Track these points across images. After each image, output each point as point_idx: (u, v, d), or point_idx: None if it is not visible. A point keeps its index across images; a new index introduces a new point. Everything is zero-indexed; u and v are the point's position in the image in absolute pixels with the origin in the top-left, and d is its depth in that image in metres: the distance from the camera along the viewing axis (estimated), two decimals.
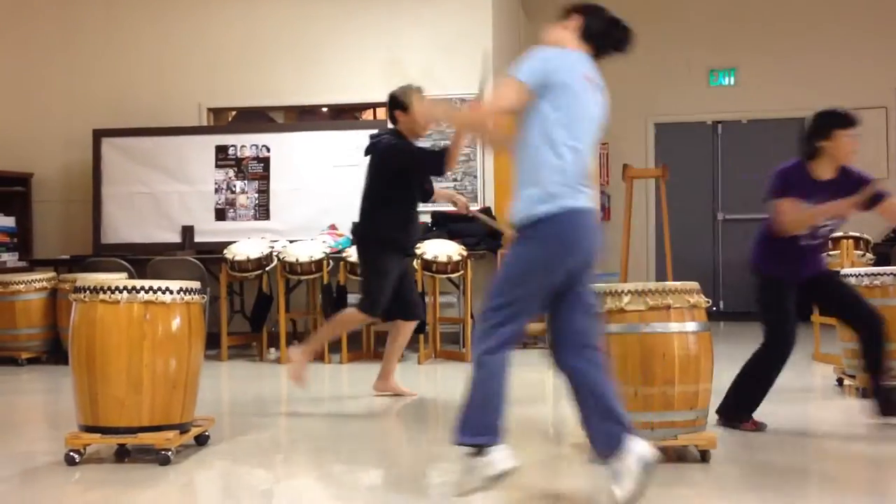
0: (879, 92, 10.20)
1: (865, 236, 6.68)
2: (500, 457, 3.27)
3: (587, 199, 3.26)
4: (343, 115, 9.13)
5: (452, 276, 7.26)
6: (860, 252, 6.52)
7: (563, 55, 3.42)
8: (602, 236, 3.37)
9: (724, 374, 5.95)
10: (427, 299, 7.21)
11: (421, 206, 8.22)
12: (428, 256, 7.05)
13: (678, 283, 3.81)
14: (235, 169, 8.36)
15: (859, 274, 5.37)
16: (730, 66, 10.51)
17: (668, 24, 10.59)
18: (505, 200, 8.16)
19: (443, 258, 7.04)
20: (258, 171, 8.43)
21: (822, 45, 10.26)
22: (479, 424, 3.27)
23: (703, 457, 3.74)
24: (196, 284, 4.14)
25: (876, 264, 6.74)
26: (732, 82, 10.52)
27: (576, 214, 3.20)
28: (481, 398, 3.30)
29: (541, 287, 3.20)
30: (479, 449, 3.25)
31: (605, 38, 3.59)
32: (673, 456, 3.83)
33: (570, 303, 3.24)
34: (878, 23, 10.17)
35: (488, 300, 3.26)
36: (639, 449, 3.08)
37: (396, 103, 5.48)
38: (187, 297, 4.02)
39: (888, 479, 3.62)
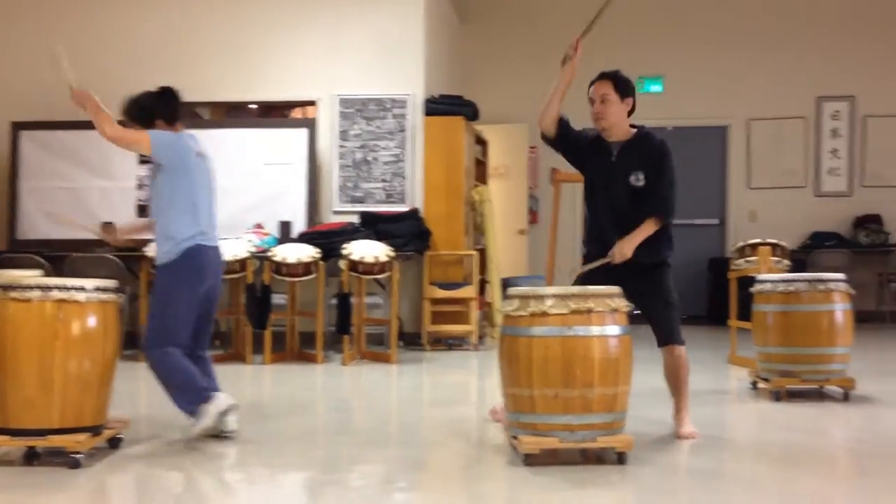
0: (800, 102, 10.50)
1: (782, 243, 6.84)
2: (220, 399, 4.31)
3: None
4: (272, 113, 9.03)
5: (379, 276, 7.23)
6: (777, 259, 6.68)
7: (179, 139, 4.43)
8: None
9: (645, 377, 6.06)
10: (352, 300, 7.17)
11: (350, 206, 8.28)
12: (354, 257, 7.01)
13: (600, 288, 3.85)
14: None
15: (775, 280, 5.49)
16: (657, 74, 10.69)
17: (597, 30, 10.70)
18: (435, 201, 8.17)
19: (369, 259, 7.01)
20: None
21: (746, 56, 10.51)
22: (192, 397, 4.29)
23: (620, 459, 3.78)
24: (112, 283, 4.05)
25: (792, 271, 6.91)
26: (660, 89, 10.71)
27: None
28: (180, 384, 4.30)
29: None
30: (201, 406, 4.25)
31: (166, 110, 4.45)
32: (592, 458, 3.87)
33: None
34: (799, 36, 10.46)
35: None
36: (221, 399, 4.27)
37: None
38: (103, 296, 3.92)
39: (799, 480, 3.71)
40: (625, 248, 4.23)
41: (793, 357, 5.35)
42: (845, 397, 5.31)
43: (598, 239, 4.43)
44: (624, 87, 4.45)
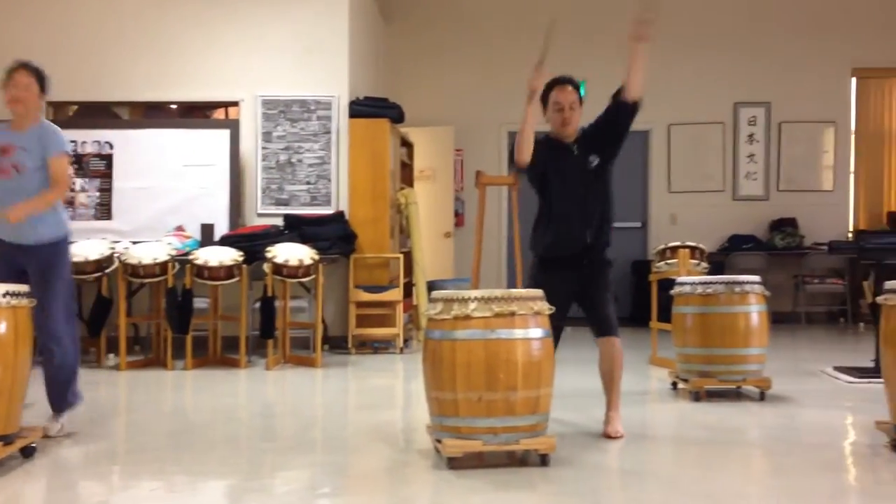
0: (718, 108, 10.75)
1: (701, 246, 7.00)
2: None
3: None
4: (194, 114, 8.88)
5: (304, 280, 7.17)
6: (696, 261, 6.82)
7: None
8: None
9: (568, 379, 6.13)
10: (277, 304, 7.09)
11: (274, 209, 8.19)
12: (278, 260, 6.93)
13: (523, 291, 3.88)
14: (75, 166, 7.98)
15: (693, 282, 5.61)
16: (580, 79, 10.79)
17: (522, 35, 10.81)
18: (360, 204, 8.13)
19: (294, 262, 6.94)
20: (100, 168, 8.08)
21: (667, 62, 10.69)
22: (74, 393, 4.58)
23: (543, 460, 3.82)
24: (24, 288, 3.92)
25: (711, 273, 7.06)
26: (582, 94, 10.81)
27: None
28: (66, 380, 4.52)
29: None
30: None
31: None
32: (515, 460, 3.90)
33: None
34: (718, 43, 10.70)
35: None
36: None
37: None
38: (14, 301, 3.80)
39: (717, 479, 3.79)
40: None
41: (711, 358, 5.46)
42: (762, 397, 5.45)
43: (563, 232, 4.58)
44: (581, 95, 4.73)
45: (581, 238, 4.54)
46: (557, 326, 4.38)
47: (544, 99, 4.61)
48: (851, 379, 6.12)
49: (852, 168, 10.76)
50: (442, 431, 3.84)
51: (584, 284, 4.50)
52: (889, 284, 4.02)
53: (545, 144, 4.60)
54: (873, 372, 5.72)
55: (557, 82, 4.61)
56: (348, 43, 8.25)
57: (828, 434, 4.67)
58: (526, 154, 4.46)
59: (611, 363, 4.60)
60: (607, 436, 4.41)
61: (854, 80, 10.71)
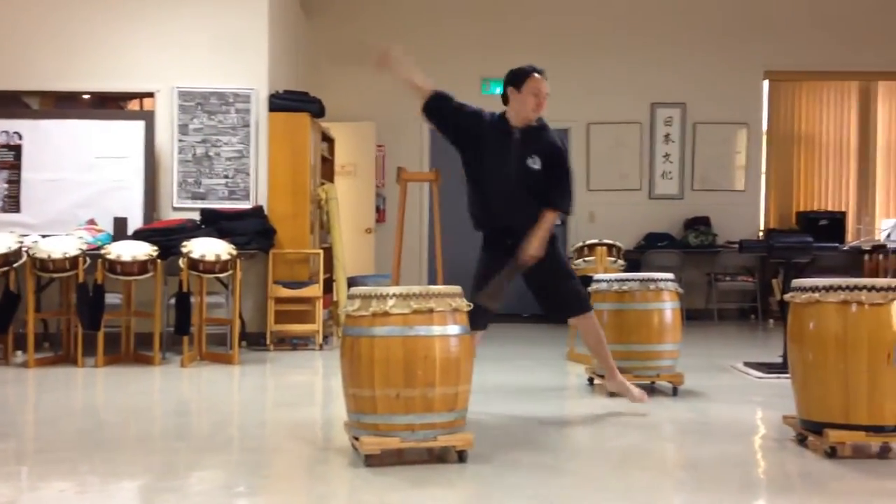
0: (636, 108, 10.94)
1: (617, 244, 7.12)
2: None
3: None
4: (107, 104, 8.65)
5: (221, 275, 7.05)
6: (612, 258, 6.94)
7: None
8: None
9: (488, 375, 6.17)
10: (192, 300, 6.96)
11: (191, 203, 8.03)
12: (194, 255, 6.80)
13: (441, 287, 3.87)
14: None
15: (610, 280, 5.69)
16: (500, 77, 10.86)
17: (444, 31, 10.84)
18: (280, 199, 8.04)
19: (210, 257, 6.82)
20: (8, 159, 7.82)
21: (586, 62, 10.86)
22: None
23: (461, 457, 3.83)
24: None
25: (627, 270, 7.19)
26: (503, 91, 10.88)
27: None
28: None
29: None
30: None
31: None
32: (433, 457, 3.90)
33: None
34: (635, 44, 10.89)
35: None
36: None
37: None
38: None
39: (630, 474, 3.86)
40: (535, 250, 4.63)
41: (626, 353, 5.55)
42: (674, 392, 5.57)
43: (487, 215, 4.81)
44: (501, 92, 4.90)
45: (502, 218, 4.75)
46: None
47: (518, 83, 4.81)
48: (760, 374, 6.30)
49: (763, 169, 11.07)
50: (359, 429, 3.82)
51: (536, 271, 4.64)
52: (796, 282, 4.15)
53: (491, 117, 4.84)
54: (781, 367, 5.90)
55: (537, 71, 4.84)
56: (268, 35, 8.14)
57: (737, 428, 4.80)
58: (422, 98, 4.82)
59: (594, 337, 4.97)
60: (635, 399, 4.87)
61: (766, 82, 11.02)
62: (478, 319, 4.44)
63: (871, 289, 3.89)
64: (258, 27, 8.10)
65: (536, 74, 4.83)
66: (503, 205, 4.75)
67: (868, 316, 3.87)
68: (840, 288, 3.93)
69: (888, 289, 3.89)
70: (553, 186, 4.80)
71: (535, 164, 4.75)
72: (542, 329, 9.69)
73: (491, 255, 4.83)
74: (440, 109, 4.88)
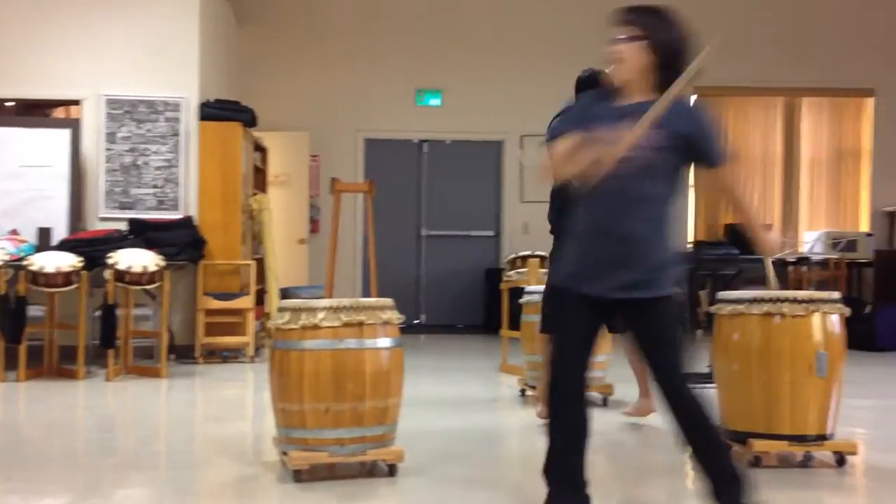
0: None
1: None
2: None
3: None
4: (32, 112, 8.44)
5: (148, 287, 6.91)
6: (545, 271, 6.97)
7: None
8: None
9: (421, 387, 6.16)
10: (119, 312, 6.81)
11: (118, 213, 7.87)
12: (121, 266, 6.66)
13: (372, 300, 3.86)
14: None
15: (540, 291, 5.71)
16: (437, 88, 10.93)
17: (379, 42, 10.83)
18: (210, 209, 7.92)
19: (137, 268, 6.68)
20: None
21: (520, 74, 10.94)
22: None
23: (391, 471, 3.81)
24: None
25: None
26: (439, 103, 10.95)
27: None
28: None
29: None
30: None
31: None
32: (363, 471, 3.87)
33: None
34: (569, 56, 11.00)
35: None
36: None
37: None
38: None
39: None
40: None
41: None
42: (604, 402, 5.63)
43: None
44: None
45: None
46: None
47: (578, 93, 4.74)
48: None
49: (692, 181, 11.27)
50: (288, 444, 3.78)
51: None
52: (721, 295, 4.22)
53: None
54: (709, 378, 5.98)
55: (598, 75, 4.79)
56: (199, 43, 8.02)
57: (665, 438, 4.83)
58: None
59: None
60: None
61: (694, 97, 11.23)
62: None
63: (793, 301, 3.98)
64: (189, 35, 7.98)
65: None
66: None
67: (790, 328, 3.96)
68: (763, 300, 4.01)
69: (809, 301, 3.99)
70: None
71: None
72: (478, 340, 9.72)
73: None
74: None
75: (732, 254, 6.74)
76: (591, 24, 11.06)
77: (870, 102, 11.30)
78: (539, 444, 4.74)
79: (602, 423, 5.21)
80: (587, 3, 11.05)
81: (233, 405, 6.30)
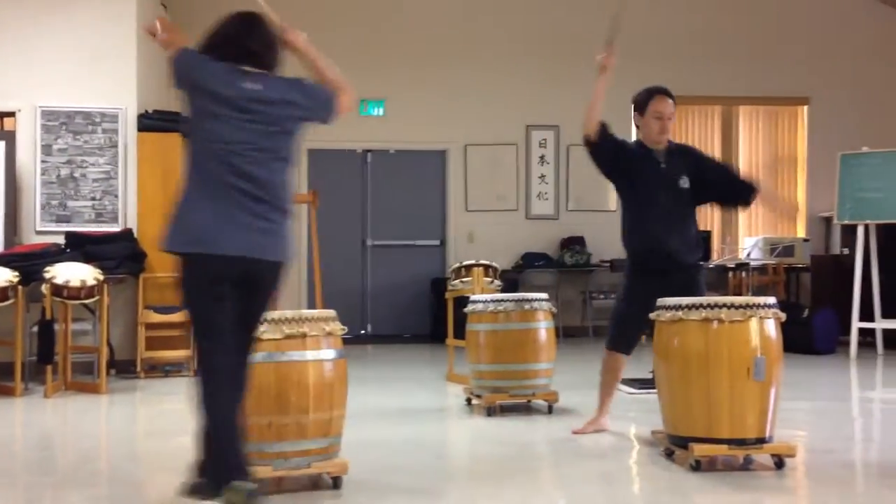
0: (512, 130, 11.13)
1: (494, 264, 7.19)
2: None
3: None
4: None
5: (87, 301, 6.78)
6: (489, 279, 7.01)
7: None
8: None
9: (367, 398, 6.13)
10: (56, 327, 6.67)
11: (55, 226, 7.71)
12: (58, 281, 6.53)
13: (315, 311, 3.83)
14: None
15: (486, 300, 5.75)
16: (379, 98, 10.92)
17: (321, 52, 10.77)
18: (151, 221, 7.79)
19: (75, 283, 6.56)
20: None
21: (464, 84, 11.00)
22: None
23: (336, 483, 3.78)
24: None
25: (505, 290, 7.27)
26: (382, 113, 10.94)
27: None
28: None
29: None
30: None
31: None
32: (307, 484, 3.84)
33: None
34: (511, 67, 11.10)
35: None
36: None
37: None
38: None
39: (506, 495, 3.89)
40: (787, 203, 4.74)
41: (502, 373, 5.62)
42: (549, 410, 5.66)
43: (646, 240, 4.76)
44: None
45: (664, 247, 4.71)
46: (637, 333, 4.84)
47: (641, 107, 4.78)
48: (632, 390, 6.47)
49: None
50: None
51: (675, 293, 4.41)
52: (661, 301, 4.28)
53: (634, 145, 4.86)
54: (652, 383, 6.06)
55: (658, 92, 4.78)
56: (137, 53, 7.91)
57: (610, 444, 4.90)
58: (591, 125, 4.77)
59: None
60: None
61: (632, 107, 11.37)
62: (629, 344, 4.83)
63: (731, 307, 4.05)
64: (127, 45, 7.86)
65: (660, 95, 4.76)
66: (660, 230, 4.71)
67: (728, 333, 4.03)
68: (702, 306, 4.07)
69: (747, 306, 4.06)
70: (730, 181, 4.82)
71: (684, 183, 4.74)
72: (425, 349, 9.72)
73: (643, 284, 4.71)
74: (605, 142, 4.83)
75: None
76: (533, 35, 11.21)
77: (804, 110, 11.58)
78: (484, 452, 4.77)
79: (547, 430, 5.26)
80: (528, 14, 11.17)
81: (175, 420, 6.19)
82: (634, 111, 4.88)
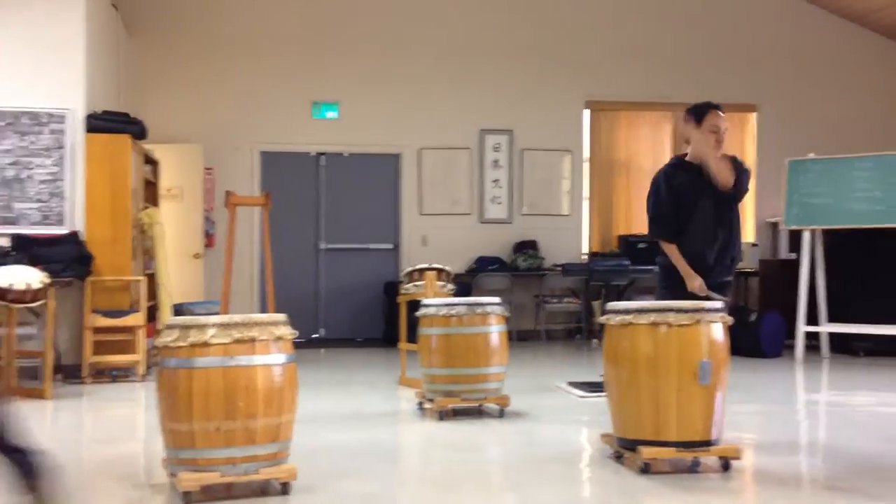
0: (466, 134, 11.15)
1: (447, 268, 7.19)
2: None
3: None
4: None
5: (32, 305, 6.65)
6: (442, 283, 7.01)
7: None
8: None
9: (319, 402, 6.09)
10: (1, 331, 6.53)
11: (0, 229, 7.55)
12: (2, 284, 6.39)
13: (264, 316, 3.80)
14: None
15: (438, 304, 5.74)
16: (334, 100, 10.88)
17: (275, 54, 10.72)
18: (98, 224, 7.68)
19: (20, 286, 6.42)
20: None
21: (418, 88, 10.99)
22: None
23: (284, 489, 3.75)
24: None
25: (458, 294, 7.28)
26: (336, 116, 10.90)
27: None
28: None
29: None
30: None
31: None
32: (256, 490, 3.80)
33: None
34: (465, 71, 11.12)
35: None
36: None
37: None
38: None
39: (458, 498, 3.89)
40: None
41: (454, 377, 5.62)
42: (501, 414, 5.67)
43: (687, 251, 4.86)
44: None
45: (704, 258, 4.83)
46: None
47: (698, 120, 4.85)
48: (583, 393, 6.52)
49: (587, 194, 11.51)
50: (177, 464, 3.68)
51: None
52: (610, 305, 4.31)
53: (671, 169, 4.97)
54: (601, 386, 6.10)
55: (714, 107, 4.88)
56: (85, 53, 7.78)
57: (560, 448, 4.93)
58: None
59: None
60: None
61: (587, 111, 11.49)
62: None
63: (679, 311, 4.10)
64: (75, 44, 7.73)
65: (715, 111, 4.88)
66: (707, 246, 4.85)
67: (676, 336, 4.07)
68: (650, 310, 4.11)
69: (694, 311, 4.11)
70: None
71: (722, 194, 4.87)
72: (378, 353, 9.68)
73: (683, 291, 4.80)
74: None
75: (624, 265, 6.90)
76: (488, 40, 11.24)
77: (753, 117, 11.77)
78: (436, 456, 4.76)
79: (498, 434, 5.27)
80: (484, 19, 11.20)
81: (122, 426, 6.11)
82: (689, 123, 4.96)
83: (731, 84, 11.44)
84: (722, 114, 4.91)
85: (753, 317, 9.25)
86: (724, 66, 11.54)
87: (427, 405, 5.81)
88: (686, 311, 4.09)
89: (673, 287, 4.85)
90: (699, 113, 4.91)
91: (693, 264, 4.84)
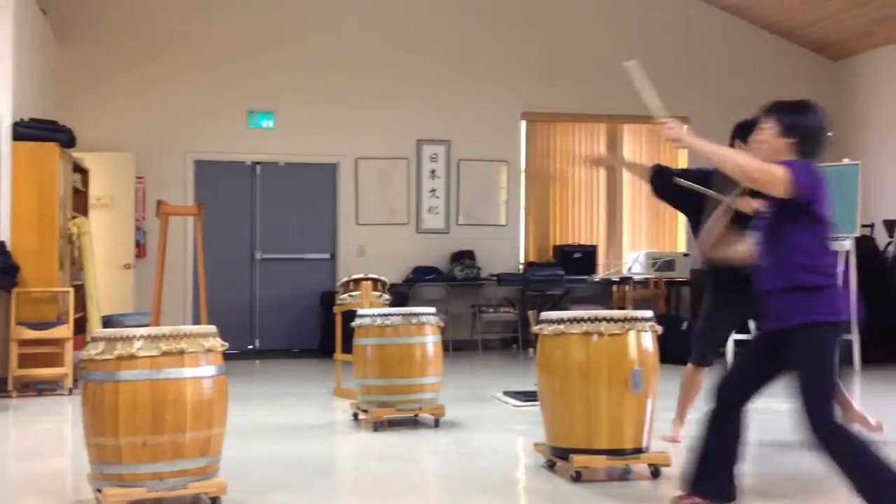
0: (403, 144, 11.15)
1: (382, 278, 7.17)
2: None
3: None
4: None
5: None
6: (378, 293, 6.98)
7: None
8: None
9: (252, 414, 6.02)
10: None
11: None
12: None
13: (194, 327, 3.74)
14: None
15: (373, 314, 5.72)
16: (269, 109, 10.79)
17: (209, 62, 10.59)
18: (24, 233, 7.49)
19: None
20: None
21: (355, 98, 10.96)
22: None
23: (214, 503, 3.69)
24: None
25: (395, 304, 7.26)
26: (271, 125, 10.80)
27: None
28: None
29: None
30: None
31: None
32: None
33: None
34: (403, 81, 11.11)
35: None
36: None
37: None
38: None
39: None
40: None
41: (389, 388, 5.60)
42: (436, 424, 5.67)
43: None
44: None
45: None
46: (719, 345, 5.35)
47: (745, 137, 4.74)
48: (518, 403, 6.54)
49: (523, 204, 11.59)
50: (103, 480, 3.60)
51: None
52: (544, 315, 4.34)
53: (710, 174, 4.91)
54: (536, 396, 6.14)
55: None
56: (12, 59, 7.58)
57: (494, 457, 4.95)
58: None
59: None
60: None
61: (524, 122, 11.58)
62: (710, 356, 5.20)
63: (610, 320, 4.15)
64: (1, 50, 7.53)
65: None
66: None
67: (608, 345, 4.12)
68: (582, 320, 4.16)
69: (625, 320, 4.16)
70: None
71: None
72: (314, 364, 9.60)
73: (732, 302, 4.93)
74: (662, 181, 5.01)
75: (559, 274, 6.96)
76: (425, 50, 11.26)
77: (684, 129, 11.98)
78: (370, 467, 4.73)
79: (433, 444, 5.27)
80: (421, 29, 11.23)
81: (48, 441, 5.95)
82: (736, 139, 4.97)
83: (663, 96, 11.60)
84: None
85: (684, 325, 9.40)
86: (656, 78, 11.63)
87: (362, 416, 5.78)
88: (617, 320, 4.14)
89: (720, 294, 4.98)
90: (746, 130, 4.94)
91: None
